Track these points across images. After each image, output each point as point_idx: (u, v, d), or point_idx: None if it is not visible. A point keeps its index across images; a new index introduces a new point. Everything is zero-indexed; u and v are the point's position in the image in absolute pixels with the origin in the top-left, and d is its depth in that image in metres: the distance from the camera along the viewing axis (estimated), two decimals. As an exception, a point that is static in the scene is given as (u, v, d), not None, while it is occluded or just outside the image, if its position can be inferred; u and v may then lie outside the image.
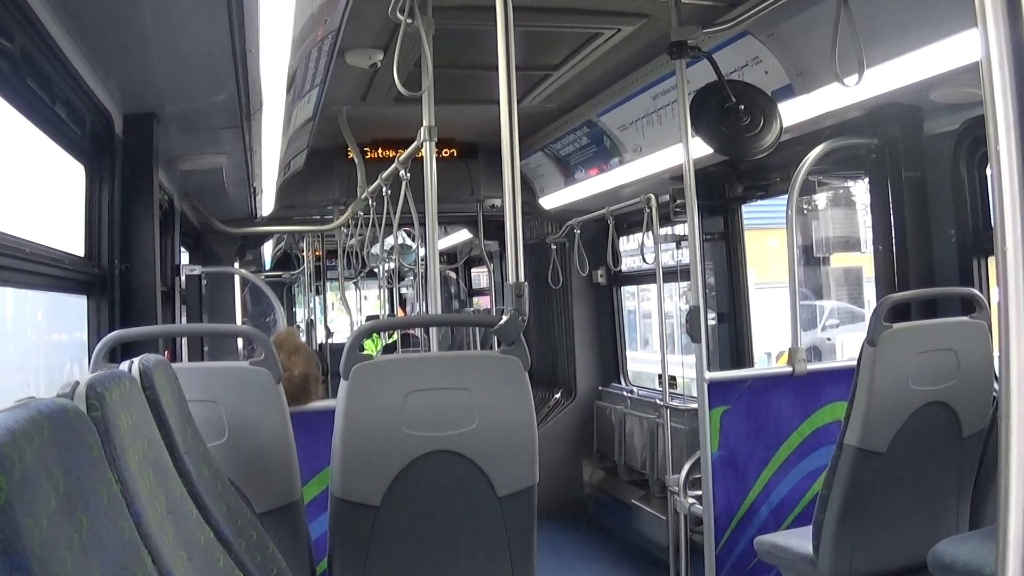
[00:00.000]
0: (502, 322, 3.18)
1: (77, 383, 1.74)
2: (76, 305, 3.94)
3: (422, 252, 5.87)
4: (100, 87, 3.62)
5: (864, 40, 3.63)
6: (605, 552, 7.49)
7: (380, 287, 10.31)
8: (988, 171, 4.17)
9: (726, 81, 4.37)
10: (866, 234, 5.47)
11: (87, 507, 1.39)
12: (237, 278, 8.45)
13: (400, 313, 14.11)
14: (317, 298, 11.69)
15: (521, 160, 3.27)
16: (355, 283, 11.29)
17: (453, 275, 15.16)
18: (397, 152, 4.89)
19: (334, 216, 7.97)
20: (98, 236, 3.99)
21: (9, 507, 1.13)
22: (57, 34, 2.96)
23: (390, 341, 11.15)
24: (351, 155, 7.19)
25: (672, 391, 6.72)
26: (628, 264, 8.46)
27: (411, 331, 10.98)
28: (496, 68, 3.21)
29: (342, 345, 3.36)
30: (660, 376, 6.84)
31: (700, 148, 4.47)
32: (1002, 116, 1.16)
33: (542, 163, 7.90)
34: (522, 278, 3.21)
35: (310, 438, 3.71)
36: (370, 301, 15.33)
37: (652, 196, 6.53)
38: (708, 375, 4.37)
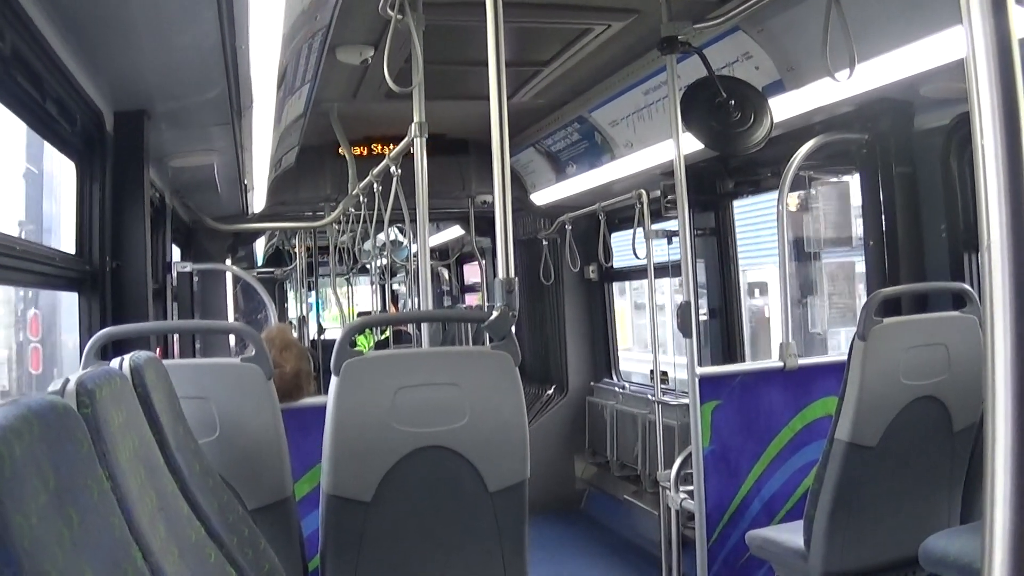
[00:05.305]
0: (492, 317, 3.18)
1: (67, 380, 1.74)
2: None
3: (414, 248, 5.86)
4: (90, 84, 3.62)
5: (855, 35, 3.64)
6: (597, 547, 7.50)
7: (372, 283, 10.29)
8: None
9: (716, 76, 4.37)
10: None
11: (77, 504, 1.39)
12: (229, 275, 8.45)
13: (392, 310, 14.10)
14: (311, 294, 11.67)
15: (512, 156, 3.27)
16: (347, 280, 11.29)
17: (445, 272, 15.15)
18: (388, 148, 4.88)
19: (325, 212, 7.97)
20: (89, 233, 3.98)
21: None
22: (47, 32, 2.96)
23: (382, 337, 11.15)
24: (342, 151, 7.20)
25: (664, 386, 6.74)
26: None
27: (403, 327, 10.97)
28: (486, 64, 3.20)
29: (333, 341, 3.37)
30: (652, 371, 6.86)
31: (691, 144, 4.47)
32: (987, 111, 1.17)
33: (533, 159, 7.90)
34: (512, 274, 3.20)
35: (302, 434, 3.71)
36: (365, 297, 15.31)
37: (643, 192, 6.54)
38: (699, 370, 4.38)
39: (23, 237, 5.10)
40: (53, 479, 1.32)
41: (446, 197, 8.23)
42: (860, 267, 5.34)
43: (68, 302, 3.97)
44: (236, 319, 9.51)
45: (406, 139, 4.21)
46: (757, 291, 11.98)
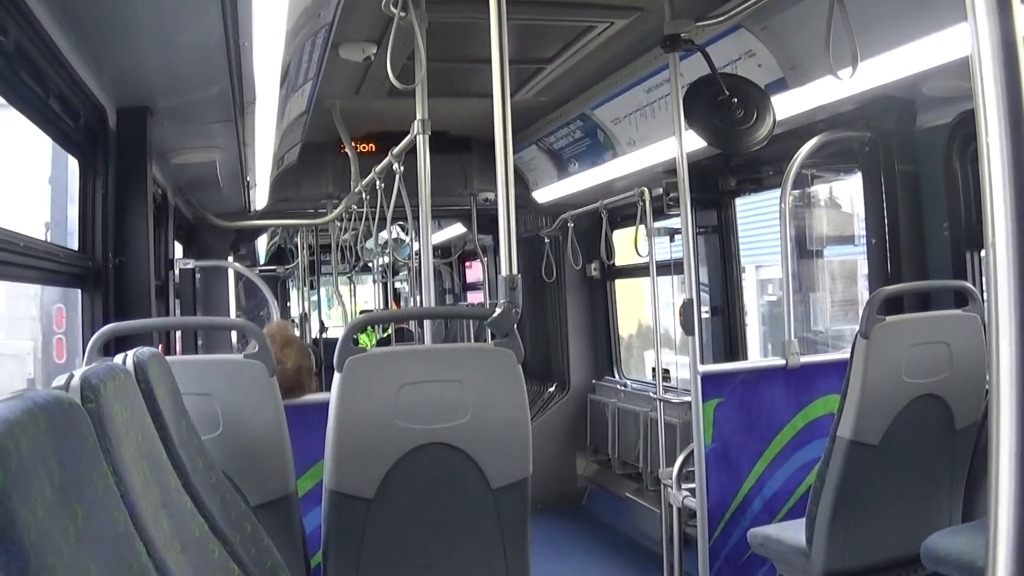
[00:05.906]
0: (495, 314, 3.18)
1: (72, 375, 1.74)
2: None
3: (416, 246, 5.88)
4: (93, 81, 3.62)
5: (857, 33, 3.64)
6: (599, 545, 7.50)
7: (375, 281, 10.30)
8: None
9: (719, 74, 4.37)
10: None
11: (82, 498, 1.39)
12: (231, 272, 8.45)
13: (394, 307, 14.11)
14: (312, 292, 11.66)
15: (514, 153, 3.27)
16: (349, 278, 11.28)
17: (446, 270, 15.14)
18: (391, 146, 4.88)
19: (328, 210, 7.98)
20: (92, 230, 3.99)
21: (6, 497, 1.14)
22: (51, 28, 2.96)
23: (384, 335, 11.14)
24: (344, 149, 7.21)
25: (665, 384, 6.73)
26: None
27: (405, 325, 10.97)
28: (489, 61, 3.21)
29: (335, 339, 3.36)
30: (654, 369, 6.86)
31: (693, 141, 4.47)
32: (992, 109, 1.17)
33: (535, 156, 7.90)
34: (515, 271, 3.21)
35: (304, 431, 3.71)
36: (368, 295, 15.31)
37: (645, 189, 6.54)
38: (701, 368, 4.38)
39: (48, 239, 5.12)
40: (58, 474, 1.32)
41: (448, 194, 8.24)
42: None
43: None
44: (238, 316, 9.51)
45: (409, 136, 4.21)
46: (771, 287, 11.95)
